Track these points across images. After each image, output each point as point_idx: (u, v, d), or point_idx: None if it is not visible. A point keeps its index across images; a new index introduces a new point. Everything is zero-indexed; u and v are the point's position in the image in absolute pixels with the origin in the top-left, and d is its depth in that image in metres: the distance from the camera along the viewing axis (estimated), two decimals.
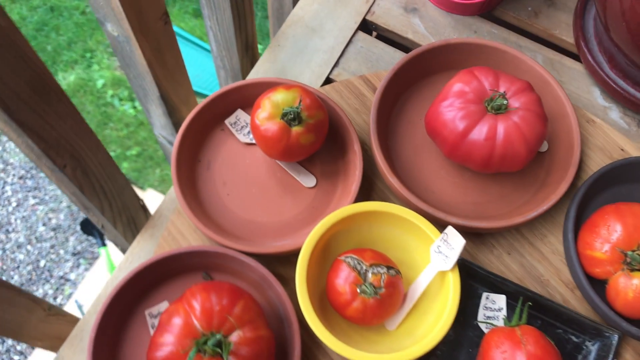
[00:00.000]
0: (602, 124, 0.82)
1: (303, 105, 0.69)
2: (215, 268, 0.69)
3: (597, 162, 0.79)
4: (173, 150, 0.72)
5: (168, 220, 0.76)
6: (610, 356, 0.66)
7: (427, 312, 0.67)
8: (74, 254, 1.89)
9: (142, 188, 1.92)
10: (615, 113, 0.87)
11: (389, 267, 0.65)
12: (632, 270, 0.66)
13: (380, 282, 0.63)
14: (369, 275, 0.64)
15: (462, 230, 0.73)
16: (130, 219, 0.79)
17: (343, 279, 0.64)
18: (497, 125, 0.68)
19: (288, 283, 0.71)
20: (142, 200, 0.84)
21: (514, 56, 0.78)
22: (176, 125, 0.87)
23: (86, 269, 1.87)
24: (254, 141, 0.76)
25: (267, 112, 0.69)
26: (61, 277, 1.88)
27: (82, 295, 1.78)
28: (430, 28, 0.91)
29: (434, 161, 0.77)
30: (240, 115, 0.77)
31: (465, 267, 0.70)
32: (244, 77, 1.05)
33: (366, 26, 0.94)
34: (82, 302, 1.74)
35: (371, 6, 0.93)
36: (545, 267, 0.74)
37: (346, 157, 0.75)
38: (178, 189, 0.70)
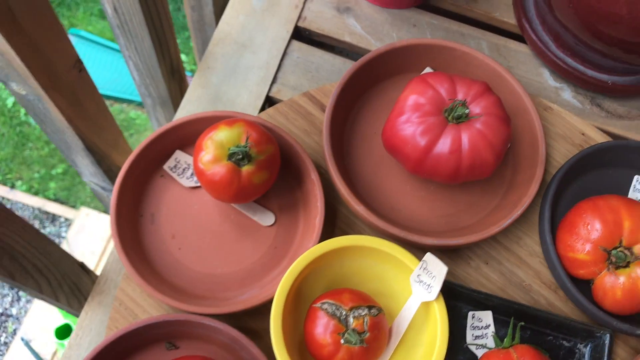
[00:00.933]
0: (560, 109, 0.79)
1: (250, 141, 0.62)
2: (180, 336, 0.62)
3: (561, 152, 0.76)
4: (110, 209, 0.64)
5: (116, 284, 0.68)
6: (605, 357, 0.64)
7: (416, 345, 0.63)
8: (11, 288, 1.76)
9: (74, 207, 1.80)
10: (567, 93, 0.84)
11: (370, 307, 0.59)
12: (617, 267, 0.63)
13: (364, 326, 0.58)
14: (350, 320, 0.58)
15: (439, 250, 0.69)
16: (73, 287, 0.71)
17: (323, 329, 0.58)
18: (460, 135, 0.63)
19: (262, 337, 0.65)
20: (82, 263, 0.76)
21: (464, 52, 0.74)
22: (108, 173, 0.78)
23: (28, 301, 1.75)
24: (199, 184, 0.69)
25: (211, 154, 0.62)
26: (1, 314, 1.75)
27: (29, 331, 1.66)
28: (367, 27, 0.85)
29: (396, 177, 0.72)
30: (180, 157, 0.70)
31: (446, 287, 0.65)
32: (173, 103, 0.96)
33: (300, 34, 0.87)
34: (30, 337, 1.63)
35: (301, 11, 0.86)
36: (525, 272, 0.71)
37: (304, 186, 0.69)
38: (122, 253, 0.63)
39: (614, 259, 0.63)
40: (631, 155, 0.73)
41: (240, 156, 0.61)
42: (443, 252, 0.71)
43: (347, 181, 0.68)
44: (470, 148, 0.63)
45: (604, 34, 0.72)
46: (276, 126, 0.68)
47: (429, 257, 0.61)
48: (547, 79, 0.85)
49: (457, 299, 0.67)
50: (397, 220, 0.70)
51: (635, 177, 0.74)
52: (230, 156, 0.61)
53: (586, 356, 0.66)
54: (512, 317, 0.66)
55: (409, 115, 0.65)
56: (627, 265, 0.63)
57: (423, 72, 0.76)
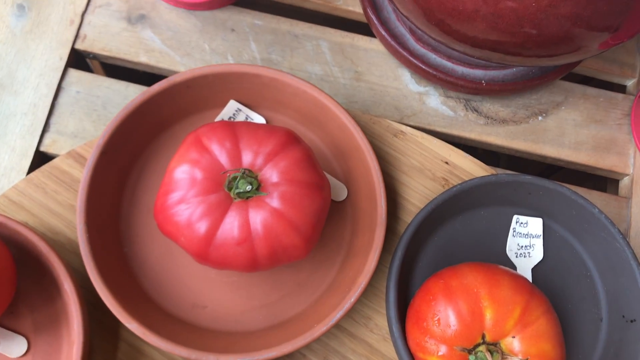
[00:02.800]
0: (414, 133, 0.60)
1: None
2: None
3: (419, 193, 0.59)
4: None
5: None
6: None
7: None
8: None
9: None
10: (434, 99, 0.66)
11: None
12: None
13: None
14: None
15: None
16: None
17: None
18: (248, 218, 0.45)
19: None
20: None
21: (273, 79, 0.54)
22: None
23: None
24: None
25: None
26: None
27: None
28: (169, 39, 0.65)
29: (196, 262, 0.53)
30: None
31: None
32: None
33: (81, 59, 0.66)
34: None
35: (79, 28, 0.65)
36: None
37: (60, 299, 0.50)
38: None
39: None
40: (504, 191, 0.56)
41: None
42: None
43: (123, 280, 0.50)
44: (264, 234, 0.45)
45: (454, 31, 0.53)
46: (8, 218, 0.49)
47: None
48: (408, 83, 0.66)
49: None
50: (199, 322, 0.52)
51: (515, 217, 0.57)
52: None
53: None
54: None
55: (182, 192, 0.46)
56: None
57: (224, 109, 0.56)
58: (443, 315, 0.47)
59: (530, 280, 0.56)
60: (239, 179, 0.45)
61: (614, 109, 0.68)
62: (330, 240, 0.55)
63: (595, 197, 0.65)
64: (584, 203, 0.54)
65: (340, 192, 0.56)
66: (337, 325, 0.54)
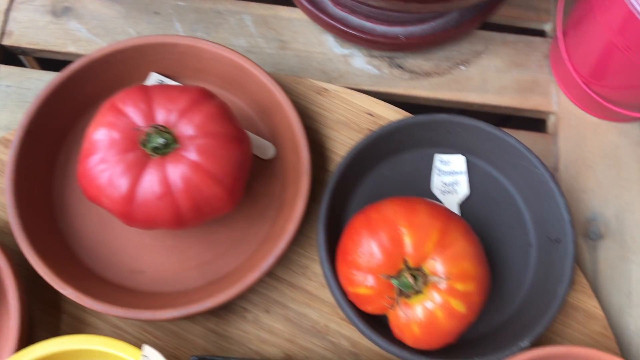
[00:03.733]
0: (337, 89, 0.62)
1: None
2: None
3: (346, 145, 0.60)
4: None
5: None
6: None
7: None
8: None
9: None
10: (359, 59, 0.68)
11: None
12: (409, 296, 0.48)
13: None
14: None
15: (199, 315, 0.53)
16: None
17: None
18: (167, 172, 0.47)
19: None
20: None
21: (190, 46, 0.56)
22: None
23: None
24: None
25: None
26: None
27: None
28: (95, 28, 0.67)
29: (131, 229, 0.55)
30: None
31: None
32: None
33: (10, 55, 0.68)
34: None
35: (4, 25, 0.66)
36: (318, 310, 0.56)
37: None
38: None
39: (400, 289, 0.48)
40: (424, 132, 0.58)
41: None
42: (211, 312, 0.55)
43: (59, 253, 0.51)
44: (184, 186, 0.47)
45: None
46: None
47: (147, 350, 0.45)
48: (332, 47, 0.68)
49: None
50: (139, 286, 0.53)
51: (437, 156, 0.59)
52: None
53: None
54: None
55: (102, 154, 0.47)
56: (420, 291, 0.48)
57: (146, 82, 0.58)
58: (366, 247, 0.48)
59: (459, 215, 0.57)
60: (152, 135, 0.46)
61: (534, 52, 0.70)
62: (262, 197, 0.56)
63: (524, 136, 0.67)
64: (501, 134, 0.56)
65: (267, 150, 0.57)
66: (276, 277, 0.56)
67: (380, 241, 0.48)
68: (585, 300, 0.58)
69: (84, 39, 0.66)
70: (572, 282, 0.58)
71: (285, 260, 0.56)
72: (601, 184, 0.65)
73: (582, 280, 0.58)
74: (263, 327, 0.55)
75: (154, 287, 0.53)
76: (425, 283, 0.48)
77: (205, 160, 0.47)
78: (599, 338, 0.57)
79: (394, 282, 0.47)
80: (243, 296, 0.55)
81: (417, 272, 0.48)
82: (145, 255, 0.54)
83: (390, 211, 0.49)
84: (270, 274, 0.56)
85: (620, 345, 0.60)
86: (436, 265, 0.47)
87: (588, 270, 0.62)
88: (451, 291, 0.47)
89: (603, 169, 0.66)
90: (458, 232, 0.48)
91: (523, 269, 0.57)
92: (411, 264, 0.48)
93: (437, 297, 0.47)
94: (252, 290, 0.55)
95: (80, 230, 0.54)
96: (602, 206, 0.64)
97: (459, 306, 0.47)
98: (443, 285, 0.47)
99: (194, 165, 0.47)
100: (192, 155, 0.47)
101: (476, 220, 0.58)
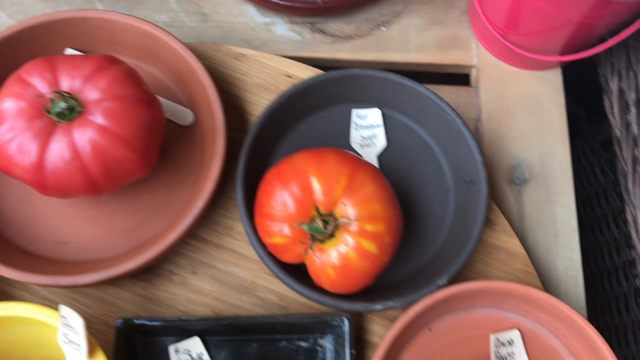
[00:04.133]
0: (255, 54, 0.63)
1: None
2: None
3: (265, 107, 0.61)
4: None
5: None
6: (347, 345, 0.51)
7: None
8: None
9: None
10: (280, 27, 0.69)
11: None
12: (323, 241, 0.50)
13: None
14: None
15: (126, 281, 0.54)
16: None
17: None
18: (74, 137, 0.47)
19: None
20: None
21: (101, 19, 0.57)
22: None
23: None
24: None
25: None
26: None
27: None
28: (15, 13, 0.67)
29: (54, 200, 0.56)
30: None
31: (129, 328, 0.51)
32: None
33: None
34: None
35: None
36: (245, 268, 0.57)
37: None
38: None
39: (313, 234, 0.49)
40: (338, 88, 0.59)
41: None
42: (137, 277, 0.56)
43: None
44: (93, 150, 0.48)
45: None
46: None
47: (63, 310, 0.46)
48: (254, 16, 0.69)
49: (155, 334, 0.52)
50: (64, 257, 0.54)
51: (354, 111, 0.60)
52: None
53: (329, 351, 0.53)
54: (227, 334, 0.52)
55: (10, 124, 0.48)
56: (333, 236, 0.49)
57: None
58: (279, 198, 0.49)
59: (377, 166, 0.59)
60: (56, 101, 0.47)
61: (453, 9, 0.71)
62: (182, 163, 0.57)
63: (447, 91, 0.68)
64: (411, 84, 0.57)
65: (186, 116, 0.58)
66: (201, 239, 0.57)
67: (292, 191, 0.49)
68: (507, 240, 0.60)
69: (4, 25, 0.67)
70: (487, 221, 0.59)
71: (209, 222, 0.57)
72: (524, 131, 0.67)
73: (502, 220, 0.60)
74: (191, 288, 0.56)
75: (80, 257, 0.54)
76: (337, 227, 0.49)
77: (112, 123, 0.48)
78: (522, 275, 0.59)
79: (305, 227, 0.48)
80: (169, 259, 0.56)
81: (328, 217, 0.49)
82: (70, 226, 0.55)
83: (300, 161, 0.50)
84: (195, 236, 0.57)
85: (549, 285, 0.62)
86: (346, 209, 0.49)
87: (514, 215, 0.64)
88: (362, 233, 0.48)
89: (525, 117, 0.67)
90: (366, 177, 0.50)
91: (443, 213, 0.58)
92: (322, 210, 0.49)
93: (349, 240, 0.49)
94: (177, 253, 0.56)
95: (1, 206, 0.55)
96: (526, 152, 0.66)
97: (370, 247, 0.49)
98: (354, 227, 0.48)
99: (101, 129, 0.47)
100: (98, 119, 0.48)
101: (396, 170, 0.59)
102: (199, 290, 0.56)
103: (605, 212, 0.77)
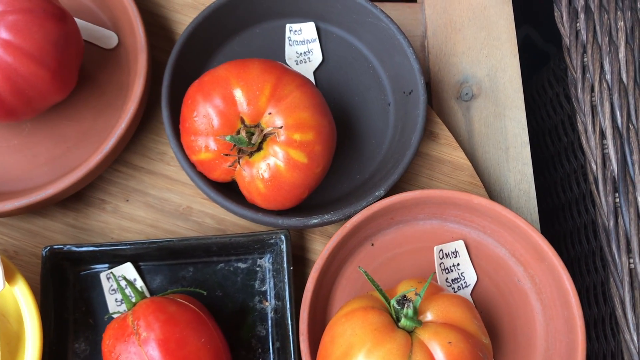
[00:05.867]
0: None
1: None
2: None
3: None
4: None
5: None
6: (285, 263, 0.50)
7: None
8: None
9: None
10: None
11: None
12: (251, 154, 0.48)
13: None
14: None
15: (54, 212, 0.52)
16: None
17: None
18: None
19: None
20: None
21: None
22: None
23: None
24: None
25: None
26: None
27: None
28: None
29: None
30: None
31: (56, 256, 0.49)
32: None
33: None
34: None
35: None
36: (179, 193, 0.55)
37: None
38: None
39: (240, 148, 0.47)
40: (271, 2, 0.56)
41: None
42: (67, 207, 0.54)
43: None
44: None
45: None
46: None
47: None
48: None
49: (85, 263, 0.50)
50: None
51: (288, 26, 0.57)
52: None
53: (269, 270, 0.52)
54: (161, 259, 0.51)
55: None
56: (261, 148, 0.47)
57: None
58: (202, 111, 0.47)
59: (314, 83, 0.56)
60: None
61: None
62: (108, 87, 0.55)
63: (389, 8, 0.66)
64: None
65: (110, 39, 0.56)
66: (133, 166, 0.55)
67: (214, 103, 0.47)
68: (451, 153, 0.58)
69: None
70: (430, 134, 0.58)
71: (140, 148, 0.55)
72: (471, 46, 0.65)
73: (446, 133, 0.58)
74: (124, 216, 0.54)
75: (4, 188, 0.52)
76: (265, 139, 0.47)
77: (16, 37, 0.45)
78: (468, 187, 0.57)
79: (228, 139, 0.46)
80: (100, 187, 0.54)
81: (256, 129, 0.47)
82: None
83: (223, 72, 0.48)
84: (127, 163, 0.55)
85: (500, 200, 0.60)
86: (272, 119, 0.47)
87: (463, 132, 0.62)
88: (290, 142, 0.46)
89: (472, 31, 0.65)
90: (293, 85, 0.47)
91: (383, 127, 0.56)
92: (248, 121, 0.47)
93: (277, 151, 0.46)
94: (108, 181, 0.54)
95: None
96: (474, 67, 0.64)
97: (299, 156, 0.47)
98: (281, 137, 0.46)
99: (5, 44, 0.45)
100: (2, 34, 0.45)
101: (334, 86, 0.57)
102: (132, 218, 0.54)
103: (571, 140, 0.75)
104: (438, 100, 0.63)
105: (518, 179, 0.61)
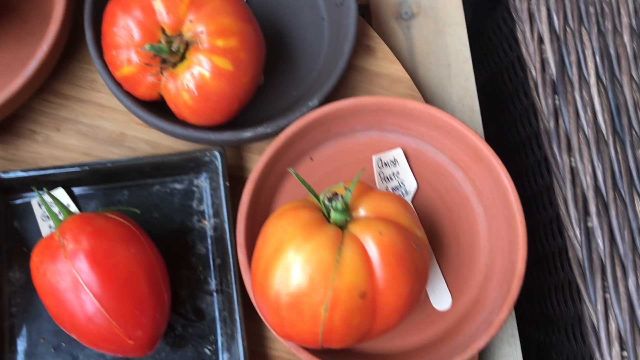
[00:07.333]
0: None
1: None
2: None
3: None
4: None
5: None
6: (221, 180, 0.49)
7: None
8: None
9: None
10: None
11: None
12: (175, 65, 0.46)
13: None
14: None
15: None
16: None
17: None
18: None
19: None
20: None
21: None
22: None
23: None
24: None
25: None
26: None
27: None
28: None
29: None
30: None
31: None
32: None
33: None
34: None
35: None
36: (111, 120, 0.54)
37: None
38: None
39: (161, 57, 0.46)
40: None
41: None
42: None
43: None
44: None
45: None
46: None
47: None
48: None
49: (15, 191, 0.49)
50: None
51: None
52: None
53: (205, 190, 0.51)
54: (94, 183, 0.49)
55: None
56: (184, 58, 0.46)
57: None
58: (121, 24, 0.46)
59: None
60: None
61: None
62: (31, 16, 0.53)
63: None
64: None
65: None
66: (62, 95, 0.53)
67: (133, 15, 0.45)
68: (389, 66, 0.57)
69: None
70: (367, 48, 0.57)
71: (70, 76, 0.54)
72: None
73: (383, 47, 0.57)
74: (55, 146, 0.52)
75: None
76: (187, 47, 0.46)
77: None
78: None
79: (148, 48, 0.45)
80: (29, 118, 0.53)
81: (175, 37, 0.45)
82: None
83: None
84: (56, 93, 0.53)
85: None
86: (194, 26, 0.45)
87: (404, 51, 0.61)
88: (213, 49, 0.45)
89: None
90: None
91: (318, 43, 0.55)
92: (169, 31, 0.46)
93: (200, 59, 0.45)
94: (37, 111, 0.53)
95: None
96: None
97: (224, 64, 0.46)
98: (204, 45, 0.45)
99: None
100: None
101: (265, 4, 0.56)
102: (64, 147, 0.52)
103: (526, 76, 0.74)
104: (378, 20, 0.62)
105: (461, 94, 0.61)
